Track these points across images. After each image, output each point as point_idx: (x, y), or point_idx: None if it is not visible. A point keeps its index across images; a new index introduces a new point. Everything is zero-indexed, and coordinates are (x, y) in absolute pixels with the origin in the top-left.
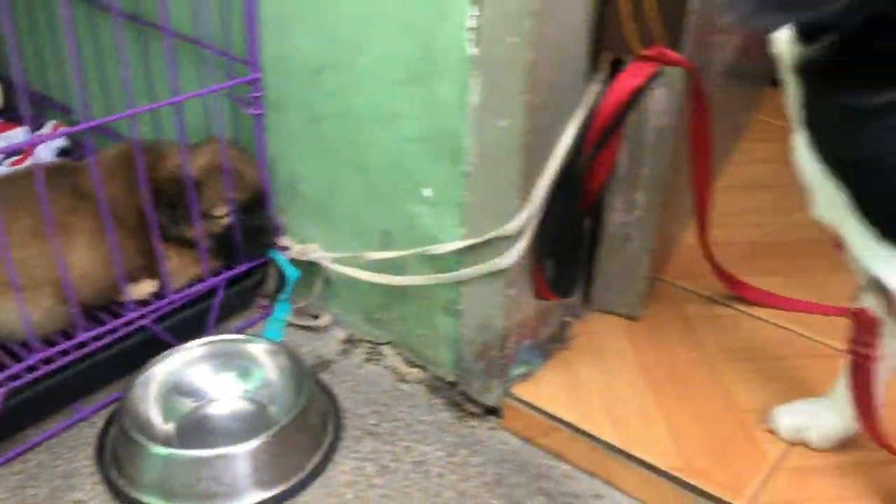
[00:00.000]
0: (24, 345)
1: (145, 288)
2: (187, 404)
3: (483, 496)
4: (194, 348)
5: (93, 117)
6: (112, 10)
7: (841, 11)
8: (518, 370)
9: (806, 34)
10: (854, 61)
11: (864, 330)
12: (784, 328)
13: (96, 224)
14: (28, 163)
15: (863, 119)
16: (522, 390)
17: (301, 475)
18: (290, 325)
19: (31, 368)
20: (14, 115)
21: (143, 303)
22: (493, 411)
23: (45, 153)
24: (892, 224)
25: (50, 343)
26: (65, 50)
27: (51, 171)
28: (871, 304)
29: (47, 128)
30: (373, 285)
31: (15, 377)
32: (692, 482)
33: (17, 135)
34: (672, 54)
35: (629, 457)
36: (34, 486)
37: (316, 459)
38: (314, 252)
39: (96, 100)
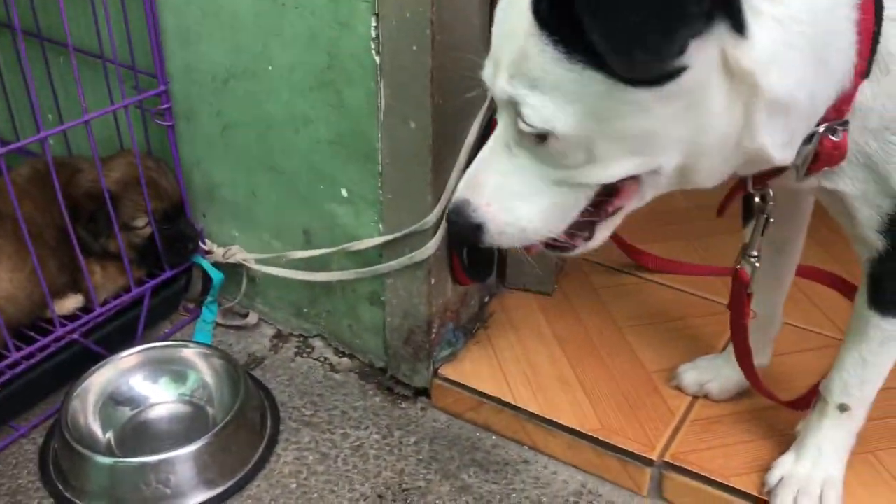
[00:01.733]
0: None
1: (71, 303)
2: (125, 412)
3: (420, 472)
4: (127, 357)
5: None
6: (14, 26)
7: None
8: (443, 352)
9: None
10: None
11: (738, 289)
12: (682, 291)
13: (16, 245)
14: None
15: None
16: (449, 370)
17: (245, 470)
18: (219, 325)
19: None
20: None
21: (71, 317)
22: (422, 392)
23: None
24: None
25: None
26: None
27: None
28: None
29: None
30: (298, 282)
31: None
32: (609, 441)
33: None
34: None
35: (551, 423)
36: None
37: (258, 454)
38: (237, 254)
39: (2, 118)
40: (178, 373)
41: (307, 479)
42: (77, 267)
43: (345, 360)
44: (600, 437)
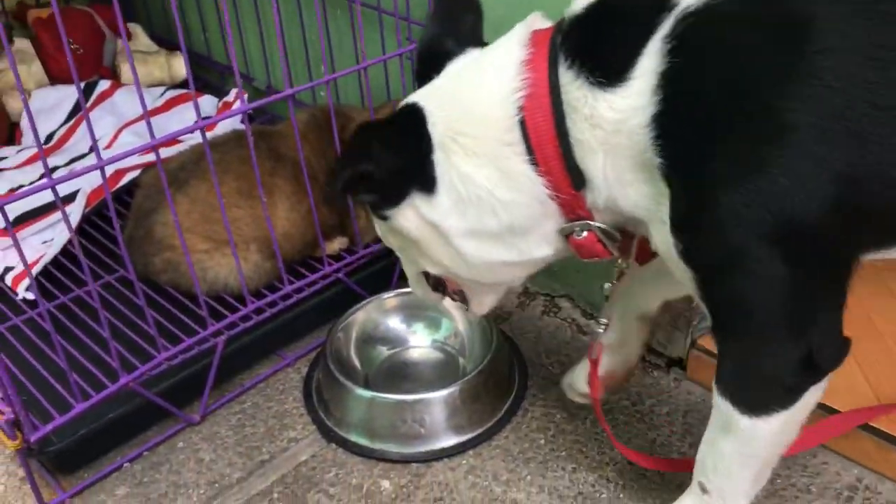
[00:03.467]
0: (238, 298)
1: (337, 244)
2: (382, 351)
3: (673, 444)
4: (388, 299)
5: (276, 86)
6: None
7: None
8: (704, 322)
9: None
10: None
11: None
12: None
13: (294, 186)
14: (218, 130)
15: None
16: (708, 342)
17: (493, 420)
18: None
19: (244, 318)
20: (198, 85)
21: (336, 258)
22: (676, 362)
23: (230, 119)
24: None
25: (258, 296)
26: (247, 21)
27: (254, 137)
28: None
29: (231, 95)
30: None
31: (232, 326)
32: (893, 434)
33: (205, 102)
34: None
35: (823, 407)
36: (252, 425)
37: (506, 406)
38: None
39: (276, 68)
40: (432, 319)
41: (555, 437)
42: (345, 210)
43: (593, 322)
44: (882, 429)
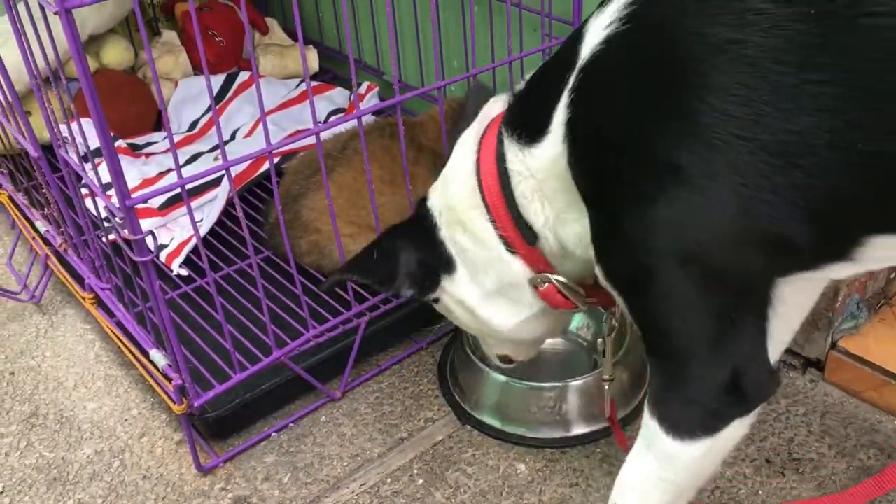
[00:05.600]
0: None
1: None
2: None
3: (811, 444)
4: None
5: (405, 80)
6: None
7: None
8: (845, 324)
9: None
10: None
11: None
12: None
13: (434, 175)
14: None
15: None
16: (850, 344)
17: (626, 412)
18: None
19: (385, 300)
20: (329, 78)
21: None
22: (813, 363)
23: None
24: None
25: None
26: (380, 16)
27: (393, 127)
28: None
29: (362, 88)
30: None
31: (374, 308)
32: None
33: (336, 94)
34: None
35: None
36: (390, 404)
37: (638, 399)
38: None
39: (407, 62)
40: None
41: None
42: None
43: None
44: None
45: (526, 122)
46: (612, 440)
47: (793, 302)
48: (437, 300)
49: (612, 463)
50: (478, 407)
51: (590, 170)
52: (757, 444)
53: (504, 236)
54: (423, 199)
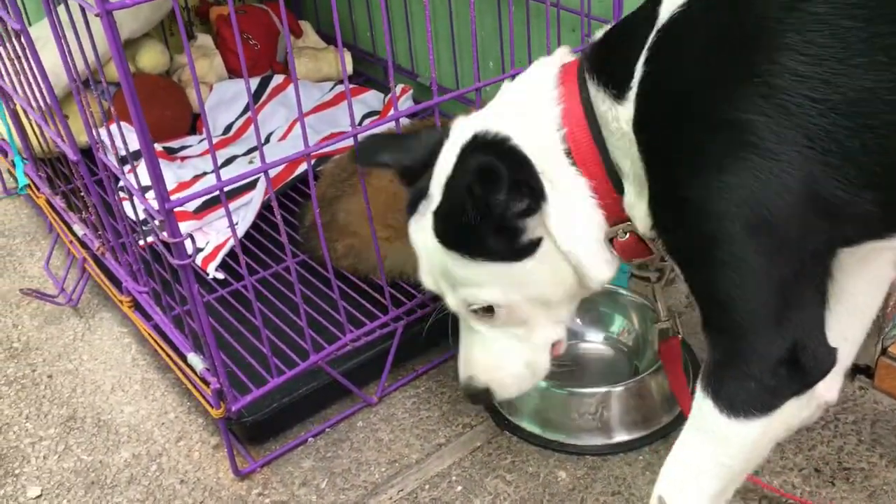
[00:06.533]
0: (413, 285)
1: None
2: None
3: (862, 454)
4: None
5: (440, 82)
6: None
7: None
8: (895, 330)
9: None
10: None
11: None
12: None
13: None
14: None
15: None
16: None
17: (667, 419)
18: (633, 276)
19: (421, 305)
20: (361, 81)
21: None
22: (863, 370)
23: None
24: None
25: None
26: (415, 17)
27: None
28: None
29: (396, 90)
30: None
31: (410, 312)
32: None
33: (369, 97)
34: None
35: None
36: (427, 409)
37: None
38: None
39: (441, 64)
40: (606, 314)
41: None
42: None
43: None
44: None
45: (614, 73)
46: (656, 448)
47: (860, 291)
48: (530, 247)
49: (655, 471)
50: (517, 413)
51: (654, 133)
52: (805, 452)
53: (593, 186)
54: (483, 133)
